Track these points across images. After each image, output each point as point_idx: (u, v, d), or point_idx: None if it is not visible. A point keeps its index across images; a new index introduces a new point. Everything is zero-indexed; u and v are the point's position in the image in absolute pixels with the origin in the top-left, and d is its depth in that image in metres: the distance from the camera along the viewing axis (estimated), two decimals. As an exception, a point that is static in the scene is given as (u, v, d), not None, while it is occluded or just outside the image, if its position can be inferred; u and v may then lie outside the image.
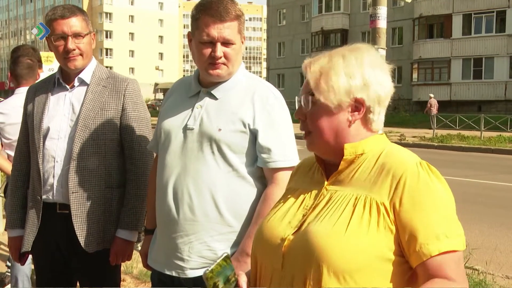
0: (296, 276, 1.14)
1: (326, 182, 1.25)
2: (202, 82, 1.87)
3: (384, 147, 1.24)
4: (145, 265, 2.03)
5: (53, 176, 2.16)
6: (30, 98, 2.31)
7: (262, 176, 1.84)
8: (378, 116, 1.24)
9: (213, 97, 1.84)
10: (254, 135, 1.79)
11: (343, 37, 35.98)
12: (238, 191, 1.80)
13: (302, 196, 1.27)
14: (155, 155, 2.09)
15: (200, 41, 1.77)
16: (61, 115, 2.19)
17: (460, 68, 31.12)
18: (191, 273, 1.81)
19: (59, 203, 2.17)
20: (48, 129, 2.18)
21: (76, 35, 2.15)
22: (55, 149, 2.16)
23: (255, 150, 1.80)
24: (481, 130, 17.83)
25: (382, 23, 6.77)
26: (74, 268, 2.25)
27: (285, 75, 41.99)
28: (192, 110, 1.84)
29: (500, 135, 17.24)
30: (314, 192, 1.26)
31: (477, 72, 30.68)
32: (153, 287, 1.99)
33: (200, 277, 1.79)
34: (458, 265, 1.09)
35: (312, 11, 38.76)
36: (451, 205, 1.13)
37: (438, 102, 27.90)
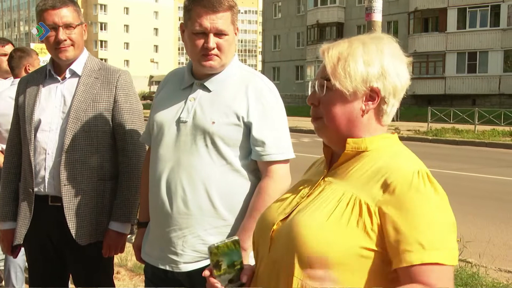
0: (277, 261, 1.15)
1: (326, 172, 1.25)
2: (195, 74, 1.86)
3: (391, 148, 1.20)
4: (139, 258, 2.02)
5: (45, 169, 2.14)
6: (21, 90, 2.29)
7: (256, 169, 1.83)
8: (391, 109, 1.21)
9: (207, 90, 1.82)
10: (248, 128, 1.78)
11: (339, 31, 35.93)
12: (232, 185, 1.79)
13: (302, 186, 1.28)
14: (147, 147, 2.07)
15: (192, 32, 1.75)
16: (53, 107, 2.17)
17: (454, 62, 31.17)
18: (185, 267, 1.80)
19: (51, 196, 2.16)
20: (39, 121, 2.16)
21: (67, 26, 2.13)
22: (47, 141, 2.15)
23: (249, 143, 1.79)
24: (475, 124, 17.90)
25: (377, 17, 6.78)
26: (66, 261, 2.24)
27: (280, 68, 41.93)
28: (185, 102, 1.82)
29: (494, 129, 17.32)
30: (314, 182, 1.25)
31: (471, 66, 30.74)
32: (146, 280, 1.98)
33: (194, 271, 1.79)
34: (442, 280, 1.01)
35: (307, 4, 38.65)
36: (445, 216, 1.07)
37: (433, 95, 27.82)
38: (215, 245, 1.16)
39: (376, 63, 1.17)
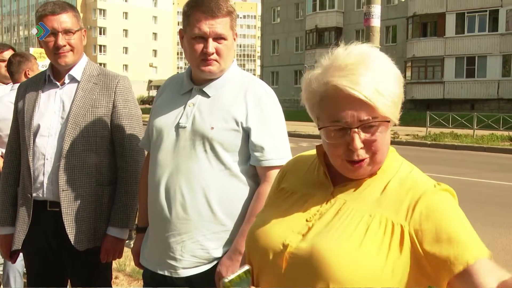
0: (299, 284, 1.10)
1: (332, 188, 1.19)
2: (194, 80, 1.86)
3: (397, 163, 1.19)
4: (137, 263, 2.02)
5: (43, 174, 2.14)
6: (21, 95, 2.29)
7: (255, 175, 1.83)
8: None
9: (206, 95, 1.83)
10: (247, 133, 1.78)
11: (337, 35, 36.05)
12: (231, 190, 1.79)
13: (302, 199, 1.21)
14: (146, 152, 2.08)
15: (191, 36, 1.76)
16: (52, 113, 2.18)
17: (453, 67, 31.27)
18: (184, 273, 1.80)
19: (50, 201, 2.15)
20: (38, 127, 2.16)
21: (67, 32, 2.13)
22: (46, 147, 2.15)
23: (248, 148, 1.80)
24: (474, 129, 17.91)
25: (376, 22, 6.80)
26: (65, 266, 2.23)
27: (279, 72, 42.02)
28: (185, 108, 1.83)
29: (493, 133, 17.34)
30: (319, 197, 1.19)
31: (470, 70, 30.85)
32: (145, 286, 1.98)
33: (193, 276, 1.79)
34: (494, 271, 1.00)
35: (306, 8, 38.80)
36: (468, 221, 1.09)
37: (432, 100, 27.82)
38: (228, 279, 1.12)
39: (392, 81, 1.12)
